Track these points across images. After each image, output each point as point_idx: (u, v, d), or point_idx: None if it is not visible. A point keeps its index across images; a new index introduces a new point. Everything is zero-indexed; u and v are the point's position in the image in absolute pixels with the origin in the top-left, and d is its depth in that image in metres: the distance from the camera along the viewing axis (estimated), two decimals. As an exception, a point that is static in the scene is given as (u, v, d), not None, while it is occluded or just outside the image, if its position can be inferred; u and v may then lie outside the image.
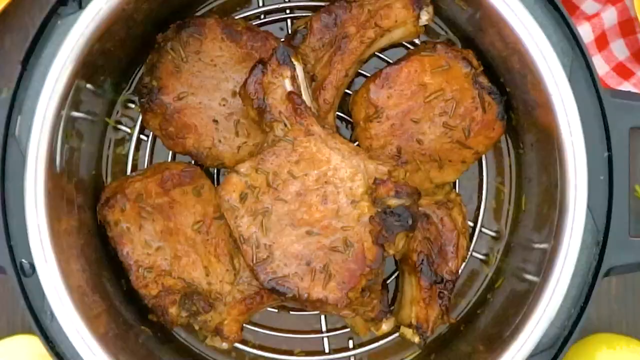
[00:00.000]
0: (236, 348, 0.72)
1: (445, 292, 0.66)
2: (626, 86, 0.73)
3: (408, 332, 0.67)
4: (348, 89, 0.72)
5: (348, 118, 0.72)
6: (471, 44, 0.71)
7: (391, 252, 0.60)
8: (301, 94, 0.62)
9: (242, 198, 0.61)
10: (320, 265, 0.60)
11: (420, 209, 0.64)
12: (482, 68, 0.67)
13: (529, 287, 0.62)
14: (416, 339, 0.66)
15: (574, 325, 0.58)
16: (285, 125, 0.61)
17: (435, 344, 0.72)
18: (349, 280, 0.60)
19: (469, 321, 0.72)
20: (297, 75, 0.62)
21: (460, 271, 0.69)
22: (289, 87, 0.61)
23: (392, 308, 0.70)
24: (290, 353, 0.73)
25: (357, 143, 0.69)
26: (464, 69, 0.66)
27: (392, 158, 0.67)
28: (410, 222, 0.59)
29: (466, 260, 0.71)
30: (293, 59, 0.62)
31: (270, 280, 0.60)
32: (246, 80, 0.62)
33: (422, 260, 0.66)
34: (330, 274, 0.60)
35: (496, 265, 0.73)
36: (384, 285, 0.67)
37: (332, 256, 0.60)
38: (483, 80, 0.67)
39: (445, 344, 0.72)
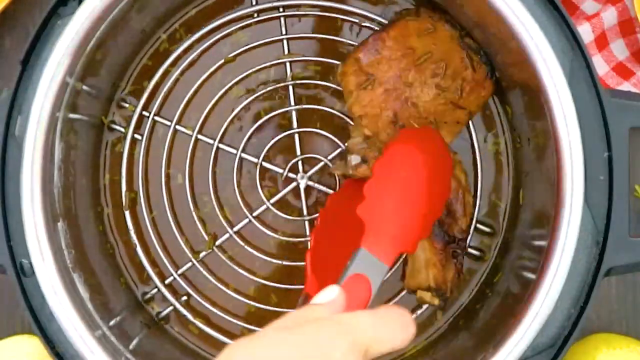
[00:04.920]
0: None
1: (459, 251, 0.67)
2: (626, 86, 0.73)
3: (427, 295, 0.67)
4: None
5: (338, 88, 0.72)
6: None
7: None
8: None
9: None
10: None
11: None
12: (466, 30, 0.68)
13: (526, 283, 0.62)
14: (436, 301, 0.66)
15: (573, 325, 0.58)
16: None
17: (434, 339, 0.72)
18: None
19: (468, 316, 0.72)
20: None
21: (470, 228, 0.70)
22: None
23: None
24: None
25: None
26: (450, 31, 0.67)
27: (390, 124, 0.67)
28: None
29: (473, 218, 0.71)
30: None
31: None
32: None
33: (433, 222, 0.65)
34: None
35: (493, 261, 0.73)
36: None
37: None
38: (469, 41, 0.67)
39: (444, 339, 0.72)
